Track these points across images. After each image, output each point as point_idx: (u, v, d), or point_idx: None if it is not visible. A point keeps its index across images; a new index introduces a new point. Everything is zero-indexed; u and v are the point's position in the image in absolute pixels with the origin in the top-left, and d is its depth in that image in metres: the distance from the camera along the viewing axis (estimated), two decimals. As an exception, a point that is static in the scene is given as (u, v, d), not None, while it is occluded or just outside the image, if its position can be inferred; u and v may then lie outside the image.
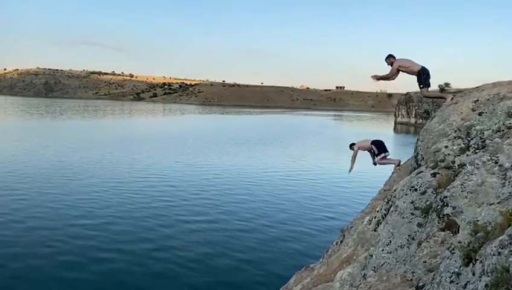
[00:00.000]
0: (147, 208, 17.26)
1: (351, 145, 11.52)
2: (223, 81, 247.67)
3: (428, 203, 4.13)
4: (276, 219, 15.64)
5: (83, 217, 15.68)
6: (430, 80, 8.72)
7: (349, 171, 11.53)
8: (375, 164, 11.20)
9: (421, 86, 8.46)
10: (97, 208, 17.02)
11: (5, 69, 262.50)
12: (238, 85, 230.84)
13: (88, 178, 22.88)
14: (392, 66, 8.35)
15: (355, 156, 11.21)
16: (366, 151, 11.52)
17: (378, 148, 11.04)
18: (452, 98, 7.87)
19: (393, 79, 8.61)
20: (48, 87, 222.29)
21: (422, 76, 8.40)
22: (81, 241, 13.15)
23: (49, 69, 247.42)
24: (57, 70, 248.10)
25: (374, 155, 11.20)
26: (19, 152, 30.92)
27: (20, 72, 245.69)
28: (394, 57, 8.38)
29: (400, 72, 8.41)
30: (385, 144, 11.34)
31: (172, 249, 12.84)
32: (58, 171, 24.37)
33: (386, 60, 8.54)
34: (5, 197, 17.84)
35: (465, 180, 3.83)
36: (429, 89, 8.47)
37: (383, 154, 11.22)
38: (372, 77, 8.78)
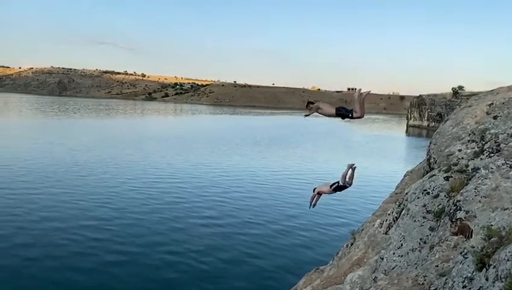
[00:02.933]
0: (159, 205, 17.39)
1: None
2: (234, 81, 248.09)
3: (440, 207, 4.09)
4: (286, 220, 15.62)
5: (96, 212, 15.86)
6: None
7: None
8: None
9: (350, 114, 9.06)
10: (110, 204, 17.19)
11: (20, 68, 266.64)
12: (249, 86, 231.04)
13: (101, 175, 23.14)
14: (310, 110, 9.37)
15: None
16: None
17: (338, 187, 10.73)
18: (359, 90, 8.71)
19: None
20: (61, 86, 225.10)
21: (343, 112, 9.03)
22: (95, 234, 13.31)
23: (62, 68, 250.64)
24: (70, 69, 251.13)
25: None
26: (35, 149, 31.38)
27: (35, 71, 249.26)
28: (312, 102, 9.44)
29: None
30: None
31: (183, 242, 12.92)
32: (72, 168, 24.68)
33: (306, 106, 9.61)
34: (21, 193, 18.12)
35: (479, 184, 3.79)
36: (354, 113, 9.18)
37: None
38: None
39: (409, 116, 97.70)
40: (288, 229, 14.61)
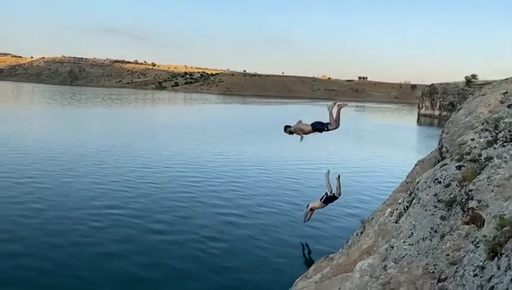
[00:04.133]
0: (171, 193, 17.56)
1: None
2: (244, 70, 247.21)
3: (452, 196, 4.07)
4: (296, 209, 15.64)
5: (108, 199, 16.08)
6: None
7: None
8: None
9: (326, 128, 9.67)
10: (122, 192, 17.42)
11: (31, 57, 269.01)
12: (259, 75, 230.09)
13: (113, 163, 23.42)
14: (291, 133, 10.20)
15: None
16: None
17: None
18: (334, 102, 9.76)
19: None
20: (72, 75, 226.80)
21: (319, 127, 9.80)
22: (106, 221, 13.51)
23: (74, 57, 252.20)
24: (81, 58, 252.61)
25: None
26: (48, 138, 31.83)
27: (47, 60, 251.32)
28: (289, 126, 10.34)
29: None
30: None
31: (194, 233, 13.05)
32: (84, 157, 24.98)
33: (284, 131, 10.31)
34: (33, 182, 18.42)
35: (492, 173, 3.75)
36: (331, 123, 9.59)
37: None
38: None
39: (421, 105, 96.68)
40: (297, 218, 14.65)
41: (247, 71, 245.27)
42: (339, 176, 13.70)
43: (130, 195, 17.15)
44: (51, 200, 15.85)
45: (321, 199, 13.22)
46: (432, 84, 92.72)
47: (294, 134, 10.27)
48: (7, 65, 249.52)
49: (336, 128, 10.11)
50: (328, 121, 10.08)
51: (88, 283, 9.71)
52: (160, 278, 10.14)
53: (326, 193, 13.06)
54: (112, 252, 11.43)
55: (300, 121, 10.16)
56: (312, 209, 13.43)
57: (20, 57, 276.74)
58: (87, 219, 13.91)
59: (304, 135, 10.24)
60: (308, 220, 13.37)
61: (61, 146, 28.50)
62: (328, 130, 10.10)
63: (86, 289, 9.46)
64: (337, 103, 10.22)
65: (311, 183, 21.31)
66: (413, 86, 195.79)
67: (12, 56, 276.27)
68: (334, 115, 9.93)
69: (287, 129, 10.47)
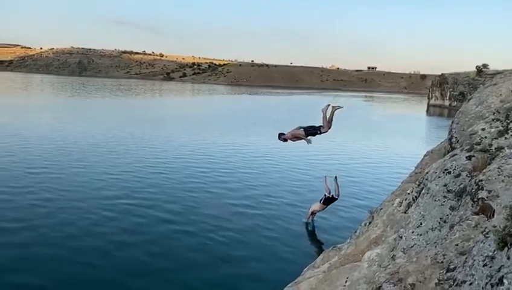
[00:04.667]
0: (179, 183, 17.70)
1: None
2: (252, 61, 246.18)
3: (462, 186, 4.04)
4: (303, 201, 15.66)
5: (118, 191, 16.24)
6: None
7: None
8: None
9: (319, 131, 9.90)
10: (131, 182, 17.58)
11: (41, 48, 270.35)
12: (267, 65, 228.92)
13: (122, 155, 23.61)
14: (285, 140, 10.27)
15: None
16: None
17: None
18: (327, 105, 9.93)
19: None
20: (81, 66, 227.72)
21: (312, 129, 9.99)
22: (116, 213, 13.66)
23: (82, 48, 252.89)
24: (90, 49, 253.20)
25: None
26: (58, 129, 32.14)
27: (56, 51, 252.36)
28: (283, 133, 10.30)
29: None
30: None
31: (201, 224, 13.15)
32: (94, 147, 25.21)
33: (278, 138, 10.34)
34: (43, 172, 18.66)
35: (503, 163, 3.72)
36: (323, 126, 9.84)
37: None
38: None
39: (430, 95, 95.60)
40: (304, 209, 14.68)
41: (255, 61, 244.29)
42: (335, 177, 13.84)
43: (139, 185, 17.30)
44: (61, 189, 16.06)
45: (320, 201, 13.52)
46: (442, 74, 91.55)
47: (289, 141, 10.40)
48: (17, 56, 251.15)
49: (328, 130, 10.36)
50: (321, 124, 10.28)
51: (98, 271, 9.86)
52: (170, 267, 10.25)
53: (325, 195, 13.41)
54: (122, 241, 11.58)
55: (300, 128, 10.27)
56: (313, 213, 13.63)
57: (30, 48, 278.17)
58: (98, 208, 14.08)
59: (300, 140, 10.38)
60: (309, 222, 13.62)
61: (71, 136, 28.77)
62: (320, 133, 10.25)
63: (97, 277, 9.60)
64: (332, 105, 10.34)
65: (319, 174, 21.30)
66: (423, 76, 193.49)
67: (22, 47, 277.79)
68: (328, 117, 10.08)
69: (281, 137, 10.55)
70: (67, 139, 27.58)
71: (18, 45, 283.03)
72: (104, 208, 14.19)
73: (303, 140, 10.25)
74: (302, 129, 10.34)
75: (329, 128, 10.26)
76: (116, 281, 9.44)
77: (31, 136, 28.12)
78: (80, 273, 9.74)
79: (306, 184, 18.87)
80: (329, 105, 10.43)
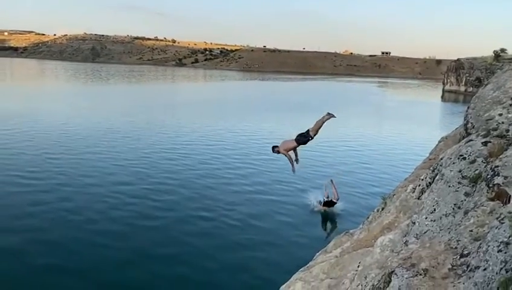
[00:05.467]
0: (192, 170, 17.83)
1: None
2: (264, 46, 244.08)
3: (477, 172, 3.99)
4: (316, 187, 15.64)
5: (126, 178, 16.46)
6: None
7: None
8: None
9: (310, 138, 9.49)
10: (144, 168, 17.79)
11: (54, 35, 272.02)
12: (279, 50, 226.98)
13: (136, 141, 23.85)
14: (280, 152, 9.84)
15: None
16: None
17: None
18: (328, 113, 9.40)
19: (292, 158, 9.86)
20: (94, 52, 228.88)
21: (302, 137, 9.61)
22: (131, 198, 13.87)
23: (95, 34, 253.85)
24: (102, 35, 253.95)
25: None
26: (72, 115, 32.52)
27: (69, 38, 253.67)
28: (276, 146, 9.85)
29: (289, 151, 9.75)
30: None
31: (215, 209, 13.27)
32: (108, 133, 25.51)
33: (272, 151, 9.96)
34: (60, 157, 18.97)
35: (520, 149, 3.66)
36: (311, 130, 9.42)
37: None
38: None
39: (445, 81, 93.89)
40: (317, 196, 14.70)
41: (267, 47, 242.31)
42: (331, 181, 13.78)
43: (153, 170, 17.48)
44: (78, 174, 16.32)
45: (320, 203, 13.70)
46: (458, 59, 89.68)
47: (281, 153, 10.43)
48: (31, 43, 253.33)
49: (313, 137, 10.43)
50: (308, 129, 10.29)
51: (115, 253, 10.04)
52: (184, 250, 10.38)
53: (324, 199, 13.60)
54: (137, 225, 11.76)
55: (295, 140, 10.29)
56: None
57: (43, 34, 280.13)
58: (114, 192, 14.29)
59: (292, 150, 10.45)
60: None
61: (85, 121, 29.12)
62: (312, 138, 10.33)
63: (113, 259, 9.78)
64: (328, 112, 10.50)
65: (331, 161, 21.26)
66: (438, 61, 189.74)
67: (36, 34, 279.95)
68: (319, 124, 10.18)
69: (275, 149, 10.49)
70: (83, 125, 27.92)
71: (32, 32, 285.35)
72: (120, 192, 14.41)
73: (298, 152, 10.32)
74: (292, 140, 10.43)
75: (315, 135, 10.34)
76: (133, 263, 9.63)
77: (48, 122, 28.55)
78: (97, 255, 9.95)
79: (319, 170, 18.84)
80: (330, 115, 10.59)
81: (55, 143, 21.95)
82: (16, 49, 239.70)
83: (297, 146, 10.06)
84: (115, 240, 10.93)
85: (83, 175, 16.51)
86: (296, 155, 10.07)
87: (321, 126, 10.15)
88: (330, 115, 10.14)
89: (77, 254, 10.08)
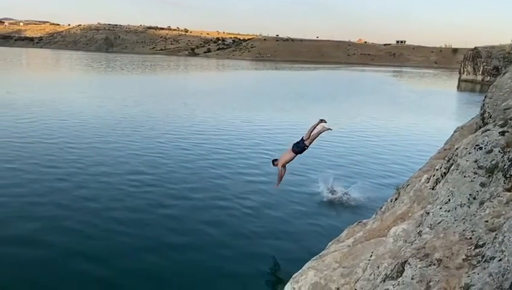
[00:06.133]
0: (205, 160, 17.92)
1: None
2: (277, 35, 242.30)
3: (494, 162, 3.94)
4: (327, 176, 15.59)
5: (142, 167, 16.63)
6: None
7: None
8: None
9: (306, 147, 10.44)
10: (158, 157, 17.96)
11: (69, 25, 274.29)
12: (292, 39, 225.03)
13: (148, 129, 24.07)
14: (278, 166, 10.62)
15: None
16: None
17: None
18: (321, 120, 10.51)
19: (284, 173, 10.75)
20: (108, 42, 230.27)
21: (299, 147, 10.47)
22: (144, 186, 14.03)
23: (108, 24, 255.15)
24: (116, 25, 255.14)
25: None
26: (86, 104, 32.95)
27: (83, 28, 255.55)
28: (276, 159, 10.74)
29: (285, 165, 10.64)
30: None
31: (228, 197, 13.35)
32: (121, 122, 25.78)
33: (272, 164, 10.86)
34: (74, 145, 19.26)
35: (538, 139, 3.59)
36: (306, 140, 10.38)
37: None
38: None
39: (462, 70, 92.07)
40: (331, 184, 14.66)
41: (280, 36, 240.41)
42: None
43: (163, 161, 17.60)
44: (89, 165, 16.53)
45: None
46: (475, 48, 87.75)
47: (277, 166, 10.75)
48: (46, 33, 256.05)
49: (308, 146, 10.70)
50: (302, 137, 10.70)
51: (120, 246, 10.13)
52: (193, 242, 10.42)
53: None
54: (145, 216, 11.84)
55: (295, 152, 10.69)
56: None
57: (58, 24, 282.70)
58: (122, 184, 14.42)
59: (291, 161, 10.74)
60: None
61: (99, 111, 29.46)
62: (307, 147, 10.63)
63: (118, 248, 9.88)
64: (323, 124, 10.80)
65: (344, 151, 21.15)
66: (455, 50, 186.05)
67: (51, 24, 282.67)
68: (313, 134, 10.84)
69: (275, 163, 10.83)
70: (97, 114, 28.25)
71: (47, 22, 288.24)
72: (135, 180, 14.59)
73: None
74: (290, 151, 10.62)
75: (310, 144, 10.60)
76: (148, 249, 9.77)
77: (64, 111, 28.97)
78: (113, 241, 10.11)
79: (330, 161, 18.78)
80: (321, 121, 10.84)
81: (70, 132, 22.29)
82: (31, 39, 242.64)
83: (295, 156, 10.40)
84: (130, 226, 11.11)
85: (98, 163, 16.75)
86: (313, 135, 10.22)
87: (317, 137, 10.46)
88: (324, 125, 10.36)
89: (95, 239, 10.29)
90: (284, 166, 10.74)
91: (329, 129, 10.74)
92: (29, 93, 37.87)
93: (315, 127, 10.56)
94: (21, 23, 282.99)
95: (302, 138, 10.63)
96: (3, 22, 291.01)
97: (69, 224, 11.05)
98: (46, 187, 13.68)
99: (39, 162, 16.38)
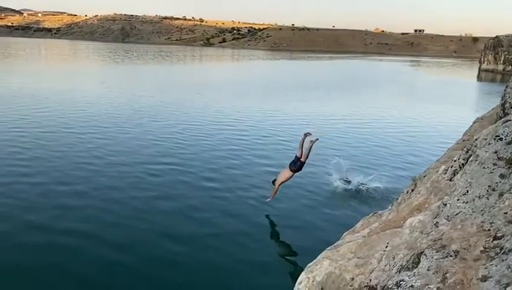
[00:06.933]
0: (221, 150, 18.00)
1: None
2: (292, 24, 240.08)
3: (514, 153, 3.86)
4: (342, 166, 15.49)
5: (160, 155, 16.81)
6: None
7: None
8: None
9: (302, 164, 10.88)
10: (173, 148, 18.11)
11: (86, 16, 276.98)
12: (308, 29, 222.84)
13: (165, 119, 24.27)
14: (276, 185, 11.32)
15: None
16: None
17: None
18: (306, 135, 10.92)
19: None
20: (124, 32, 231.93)
21: (296, 165, 10.95)
22: (158, 178, 14.20)
23: (125, 14, 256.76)
24: (132, 16, 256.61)
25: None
26: (104, 94, 33.35)
27: (100, 18, 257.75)
28: (275, 180, 11.36)
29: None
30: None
31: (241, 189, 13.40)
32: (137, 112, 26.01)
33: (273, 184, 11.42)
34: (90, 135, 19.56)
35: (561, 130, 3.50)
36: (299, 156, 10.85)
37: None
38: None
39: (482, 59, 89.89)
40: (346, 176, 14.59)
41: (295, 25, 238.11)
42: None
43: (181, 151, 17.73)
44: (108, 154, 16.77)
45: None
46: (496, 37, 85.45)
47: (275, 185, 11.24)
48: (64, 24, 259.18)
49: (305, 160, 10.97)
50: (296, 155, 10.97)
51: (138, 234, 10.28)
52: (209, 233, 10.50)
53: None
54: (162, 206, 11.97)
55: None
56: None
57: (75, 15, 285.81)
58: (141, 172, 14.60)
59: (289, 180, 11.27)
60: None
61: (116, 101, 29.82)
62: (304, 163, 10.96)
63: (136, 241, 10.02)
64: (310, 140, 10.93)
65: (358, 142, 20.97)
66: (475, 39, 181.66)
67: (68, 15, 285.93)
68: (306, 149, 10.81)
69: (274, 183, 11.34)
70: (113, 104, 28.61)
71: (65, 13, 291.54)
72: (147, 172, 14.74)
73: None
74: (288, 170, 11.06)
75: (306, 160, 10.96)
76: (155, 244, 9.89)
77: (80, 101, 29.40)
78: (125, 234, 10.27)
79: (344, 152, 18.64)
80: (306, 135, 10.98)
81: (86, 121, 22.65)
82: (49, 30, 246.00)
83: (294, 174, 10.87)
84: (149, 214, 11.33)
85: (114, 151, 17.01)
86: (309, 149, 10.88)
87: (310, 151, 10.83)
88: (311, 138, 10.67)
89: (115, 227, 10.52)
90: (285, 181, 11.26)
91: (317, 140, 11.18)
92: (48, 83, 38.53)
93: (303, 141, 10.94)
94: (39, 14, 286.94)
95: (296, 156, 11.06)
96: (22, 13, 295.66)
97: (85, 211, 11.29)
98: (64, 175, 13.96)
99: (60, 151, 16.73)
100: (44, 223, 10.53)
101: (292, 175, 11.02)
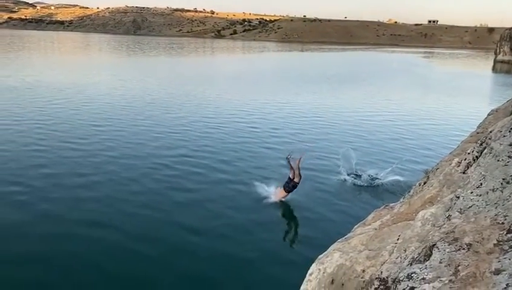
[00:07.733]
0: (230, 142, 18.05)
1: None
2: (304, 16, 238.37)
3: (529, 146, 3.81)
4: (355, 160, 15.42)
5: (172, 147, 16.92)
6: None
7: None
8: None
9: (296, 185, 11.14)
10: (185, 139, 18.21)
11: (97, 8, 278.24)
12: (320, 20, 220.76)
13: (177, 111, 24.39)
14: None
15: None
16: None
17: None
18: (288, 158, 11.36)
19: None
20: (135, 25, 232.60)
21: (289, 186, 11.36)
22: (171, 170, 14.30)
23: (136, 7, 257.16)
24: (143, 8, 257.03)
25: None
26: (117, 86, 33.58)
27: (111, 11, 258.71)
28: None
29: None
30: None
31: (252, 183, 13.42)
32: (149, 104, 26.18)
33: None
34: (102, 128, 19.76)
35: None
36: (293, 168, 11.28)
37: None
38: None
39: (498, 50, 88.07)
40: (357, 168, 14.52)
41: (307, 16, 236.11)
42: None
43: (193, 143, 17.82)
44: (122, 147, 16.92)
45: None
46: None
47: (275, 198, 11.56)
48: (76, 16, 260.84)
49: (299, 180, 11.30)
50: (289, 176, 11.39)
51: (156, 227, 10.39)
52: (214, 226, 10.52)
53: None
54: (180, 199, 12.06)
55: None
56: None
57: (87, 8, 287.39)
58: (149, 165, 14.66)
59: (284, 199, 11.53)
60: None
61: (129, 93, 30.01)
62: (298, 183, 11.32)
63: (153, 234, 10.12)
64: (296, 159, 11.45)
65: (372, 136, 20.82)
66: (491, 30, 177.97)
67: (80, 7, 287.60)
68: (295, 167, 11.19)
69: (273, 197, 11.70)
70: (126, 97, 28.81)
71: (77, 5, 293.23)
72: (162, 164, 14.84)
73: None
74: (282, 190, 11.50)
75: (299, 179, 11.38)
76: (169, 234, 10.01)
77: (93, 93, 29.67)
78: (138, 227, 10.39)
79: (358, 145, 18.52)
80: (288, 158, 11.62)
81: (100, 113, 22.87)
82: (62, 22, 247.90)
83: (287, 195, 11.04)
84: (157, 205, 11.43)
85: (127, 143, 17.19)
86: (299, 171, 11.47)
87: (299, 167, 11.05)
88: (293, 157, 11.01)
89: (129, 216, 10.67)
90: (282, 197, 11.69)
91: (300, 158, 11.74)
92: (61, 75, 38.92)
93: (291, 164, 11.55)
94: (52, 7, 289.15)
95: (289, 177, 11.53)
96: (36, 6, 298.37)
97: (105, 201, 11.48)
98: (78, 166, 14.15)
99: (74, 142, 16.96)
100: (60, 213, 10.72)
101: (286, 195, 11.44)
